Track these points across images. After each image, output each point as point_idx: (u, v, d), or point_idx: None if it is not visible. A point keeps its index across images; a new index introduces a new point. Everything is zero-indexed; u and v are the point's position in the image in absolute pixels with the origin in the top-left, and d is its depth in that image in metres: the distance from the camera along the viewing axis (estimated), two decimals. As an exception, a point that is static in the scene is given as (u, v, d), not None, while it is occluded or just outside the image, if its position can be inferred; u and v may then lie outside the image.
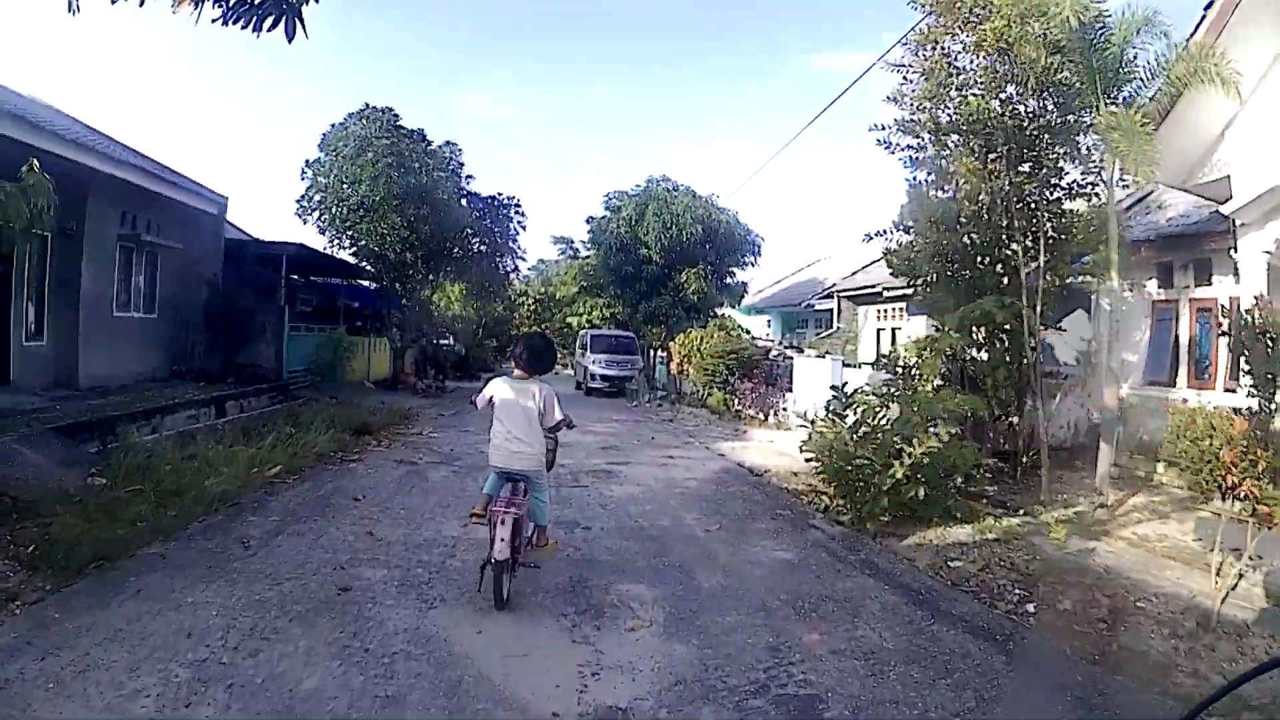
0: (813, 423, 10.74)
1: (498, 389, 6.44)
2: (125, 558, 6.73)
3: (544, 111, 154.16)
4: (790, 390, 21.10)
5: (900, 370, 11.23)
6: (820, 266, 39.64)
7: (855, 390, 10.63)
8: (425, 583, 6.59)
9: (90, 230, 15.40)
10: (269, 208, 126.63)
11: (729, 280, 31.27)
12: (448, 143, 27.62)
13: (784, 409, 21.20)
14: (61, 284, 15.02)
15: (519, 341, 6.87)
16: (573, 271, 44.62)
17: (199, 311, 19.73)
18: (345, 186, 24.18)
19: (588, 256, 40.59)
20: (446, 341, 44.28)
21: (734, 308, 33.65)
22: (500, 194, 29.78)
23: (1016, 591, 7.03)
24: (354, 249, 25.16)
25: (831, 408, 10.66)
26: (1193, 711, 1.94)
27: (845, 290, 27.31)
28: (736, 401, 23.80)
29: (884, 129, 12.28)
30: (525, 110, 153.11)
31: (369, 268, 26.12)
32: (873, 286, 23.25)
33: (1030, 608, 6.65)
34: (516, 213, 30.08)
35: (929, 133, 12.02)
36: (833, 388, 10.74)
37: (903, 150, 12.40)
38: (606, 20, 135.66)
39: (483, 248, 29.66)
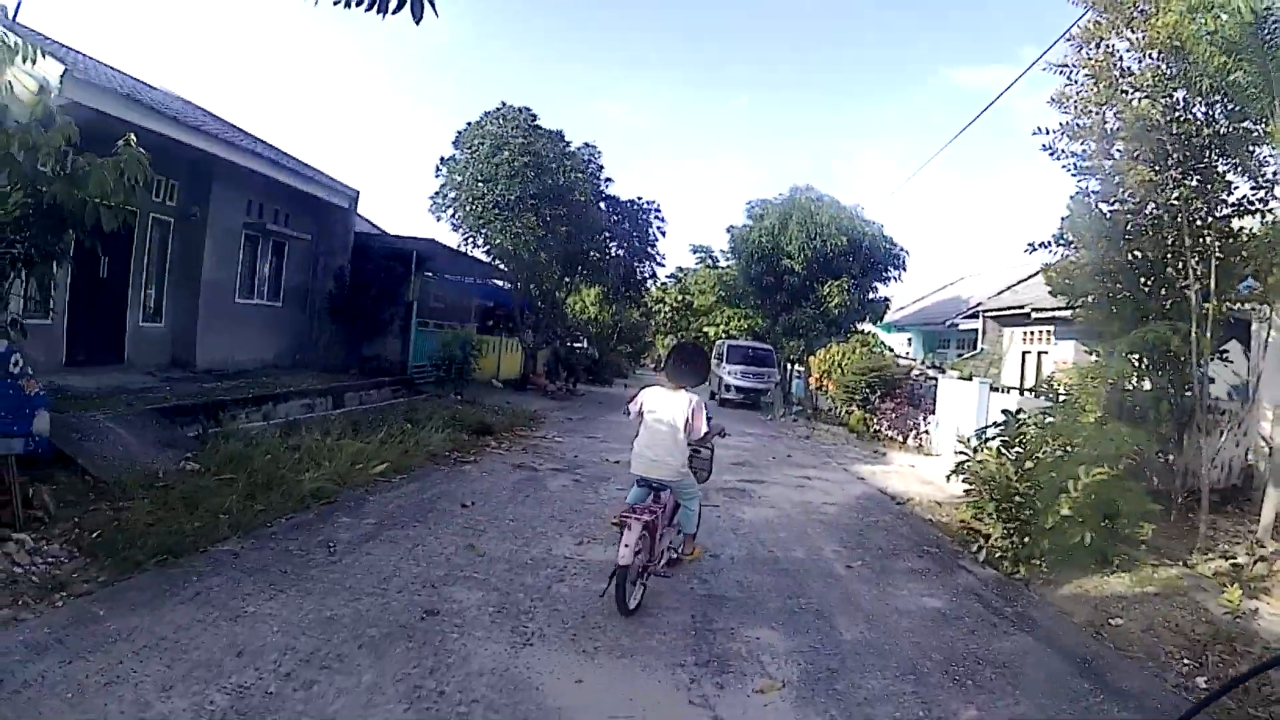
0: (974, 450, 9.78)
1: (648, 398, 6.29)
2: (195, 553, 6.27)
3: (683, 122, 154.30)
4: (933, 413, 20.11)
5: (1058, 398, 10.30)
6: (963, 285, 38.20)
7: (1013, 417, 9.56)
8: (525, 611, 5.87)
9: (214, 217, 15.58)
10: (403, 203, 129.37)
11: (870, 296, 30.11)
12: (586, 144, 26.96)
13: (926, 432, 20.13)
14: (182, 268, 15.19)
15: (671, 353, 6.65)
16: (711, 281, 44.81)
17: (325, 302, 19.79)
18: (480, 184, 23.62)
19: (728, 266, 39.96)
20: (580, 345, 44.02)
21: (875, 324, 32.57)
22: (640, 198, 29.27)
23: (1185, 660, 6.10)
24: (487, 248, 24.58)
25: (993, 435, 9.61)
26: (1192, 711, 2.00)
27: (991, 310, 26.11)
28: (876, 421, 22.66)
29: (1048, 133, 11.16)
30: (665, 120, 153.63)
31: (503, 267, 25.55)
32: (1020, 307, 22.21)
33: (1201, 681, 5.74)
34: (656, 217, 29.46)
35: (1096, 139, 10.78)
36: (1004, 411, 9.76)
37: (1068, 157, 11.28)
38: (747, 32, 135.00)
39: (620, 252, 29.12)
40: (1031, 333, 22.70)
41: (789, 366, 36.02)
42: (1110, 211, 11.27)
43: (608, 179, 28.10)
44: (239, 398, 12.14)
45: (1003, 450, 9.28)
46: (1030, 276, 27.92)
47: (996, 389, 18.56)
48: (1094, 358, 11.69)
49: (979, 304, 29.22)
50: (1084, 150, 11.05)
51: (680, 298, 49.59)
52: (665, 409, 6.15)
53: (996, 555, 8.88)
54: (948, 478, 10.27)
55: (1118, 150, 10.67)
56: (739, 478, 13.23)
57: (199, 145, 13.58)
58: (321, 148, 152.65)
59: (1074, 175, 11.35)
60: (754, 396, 31.87)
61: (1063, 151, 11.18)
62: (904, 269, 30.16)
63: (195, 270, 15.30)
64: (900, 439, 21.07)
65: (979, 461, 9.61)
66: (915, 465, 17.05)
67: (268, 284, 18.39)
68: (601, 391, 33.44)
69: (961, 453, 9.97)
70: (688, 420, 6.13)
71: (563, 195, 23.88)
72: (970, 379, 19.84)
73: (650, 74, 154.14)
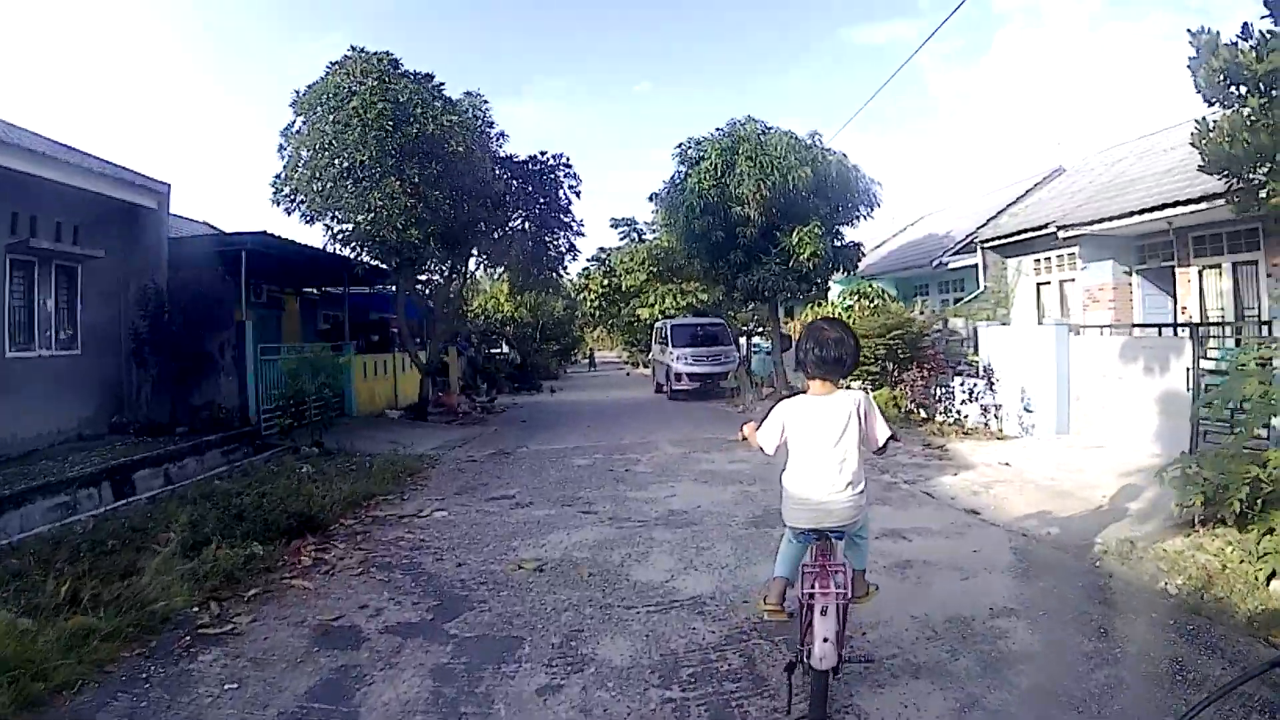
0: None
1: (791, 415, 4.43)
2: None
3: (590, 117, 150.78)
4: (984, 379, 14.45)
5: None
6: (929, 224, 33.05)
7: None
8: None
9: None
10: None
11: (838, 242, 24.20)
12: (469, 93, 20.79)
13: (986, 408, 14.45)
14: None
15: (807, 340, 4.43)
16: (639, 256, 38.86)
17: (137, 338, 14.78)
18: (324, 153, 17.62)
19: (657, 238, 35.92)
20: (500, 350, 38.74)
21: (851, 273, 26.47)
22: (543, 153, 23.15)
23: None
24: (339, 235, 18.47)
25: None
26: (1191, 711, 1.96)
27: (992, 240, 20.85)
28: (903, 398, 16.52)
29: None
30: (572, 117, 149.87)
31: (368, 260, 19.52)
32: (1041, 227, 17.67)
33: None
34: (567, 175, 23.35)
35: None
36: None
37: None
38: (640, 17, 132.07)
39: (526, 224, 23.05)
40: (1047, 259, 18.74)
41: (746, 341, 31.50)
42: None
43: (501, 134, 21.86)
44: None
45: None
46: (1022, 197, 24.46)
47: (1075, 332, 13.40)
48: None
49: (969, 236, 24.00)
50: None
51: (606, 281, 43.56)
52: (825, 423, 4.31)
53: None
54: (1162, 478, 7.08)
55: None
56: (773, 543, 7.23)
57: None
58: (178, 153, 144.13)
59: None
60: (712, 383, 26.47)
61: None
62: (877, 205, 24.13)
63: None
64: (949, 420, 15.14)
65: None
66: (1009, 462, 11.29)
67: (55, 326, 13.78)
68: (529, 402, 28.01)
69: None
70: (862, 428, 4.31)
71: (435, 149, 17.56)
72: (1042, 324, 14.31)
73: (550, 76, 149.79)
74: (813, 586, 4.16)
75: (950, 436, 13.80)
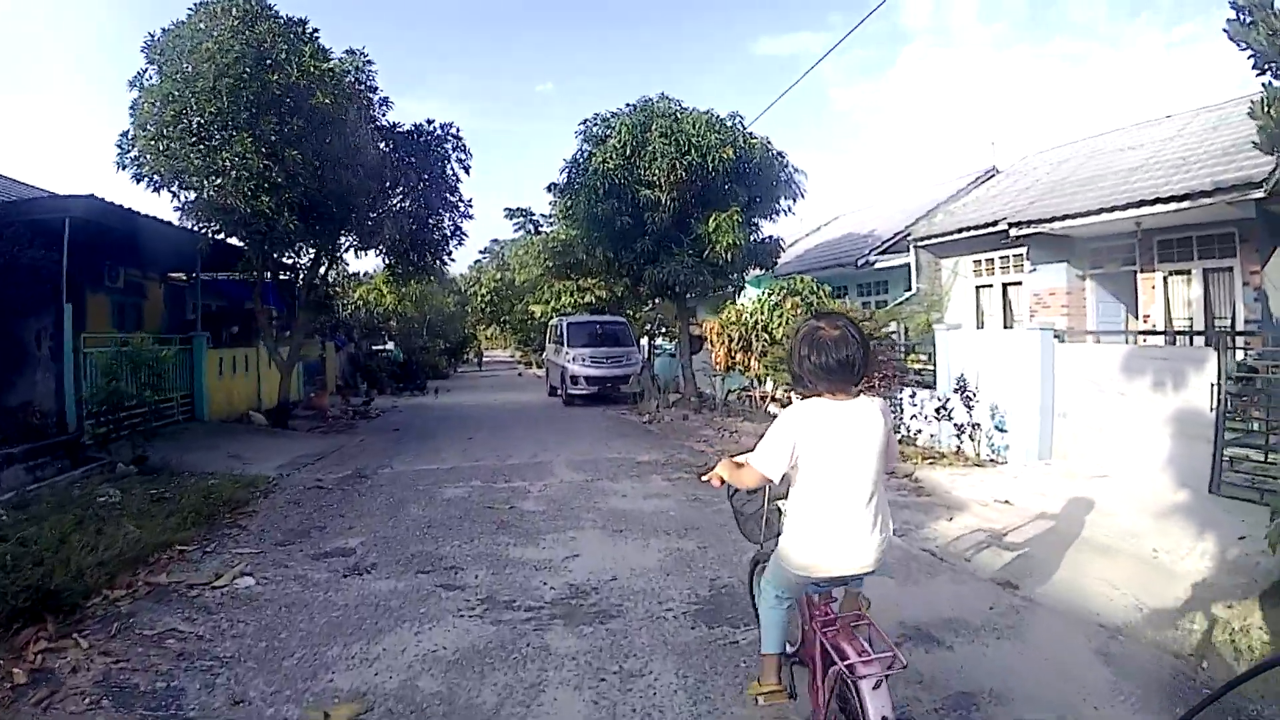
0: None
1: (810, 426, 3.39)
2: None
3: (491, 115, 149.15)
4: (960, 393, 12.03)
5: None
6: (849, 221, 31.21)
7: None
8: None
9: None
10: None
11: (755, 236, 21.84)
12: (351, 50, 17.87)
13: (968, 427, 11.90)
14: None
15: (799, 346, 3.53)
16: (534, 250, 36.07)
17: None
18: (171, 106, 14.46)
19: (553, 231, 32.69)
20: (384, 347, 35.90)
21: (769, 271, 24.12)
22: (430, 122, 20.20)
23: None
24: (186, 205, 15.35)
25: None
26: (1191, 711, 2.01)
27: (926, 238, 19.03)
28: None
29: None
30: (478, 114, 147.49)
31: (218, 235, 16.27)
32: (989, 225, 16.22)
33: None
34: (456, 149, 20.45)
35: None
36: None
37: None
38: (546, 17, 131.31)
39: (406, 202, 20.15)
40: (989, 260, 17.39)
41: (648, 343, 29.17)
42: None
43: (384, 100, 18.90)
44: None
45: None
46: (956, 196, 23.09)
47: (1060, 339, 11.63)
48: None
49: (897, 235, 21.99)
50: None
51: (499, 276, 40.86)
52: (854, 434, 3.39)
53: None
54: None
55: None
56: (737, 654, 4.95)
57: None
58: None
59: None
60: (611, 387, 24.18)
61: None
62: (801, 196, 21.79)
63: None
64: (909, 442, 12.73)
65: None
66: (1008, 499, 8.90)
67: None
68: (410, 405, 25.33)
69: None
70: (886, 445, 3.46)
71: (299, 103, 14.73)
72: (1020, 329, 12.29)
73: (451, 72, 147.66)
74: (845, 653, 3.32)
75: (915, 461, 11.33)
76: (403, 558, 7.33)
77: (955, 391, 12.03)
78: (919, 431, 12.79)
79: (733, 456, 3.87)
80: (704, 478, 4.07)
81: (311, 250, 19.26)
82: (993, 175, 23.01)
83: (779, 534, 3.81)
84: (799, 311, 16.96)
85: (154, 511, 8.55)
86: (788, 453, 3.40)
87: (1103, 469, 9.88)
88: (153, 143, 14.53)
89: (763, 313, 17.90)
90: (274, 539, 8.13)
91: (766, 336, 17.44)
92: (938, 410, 12.40)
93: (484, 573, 6.81)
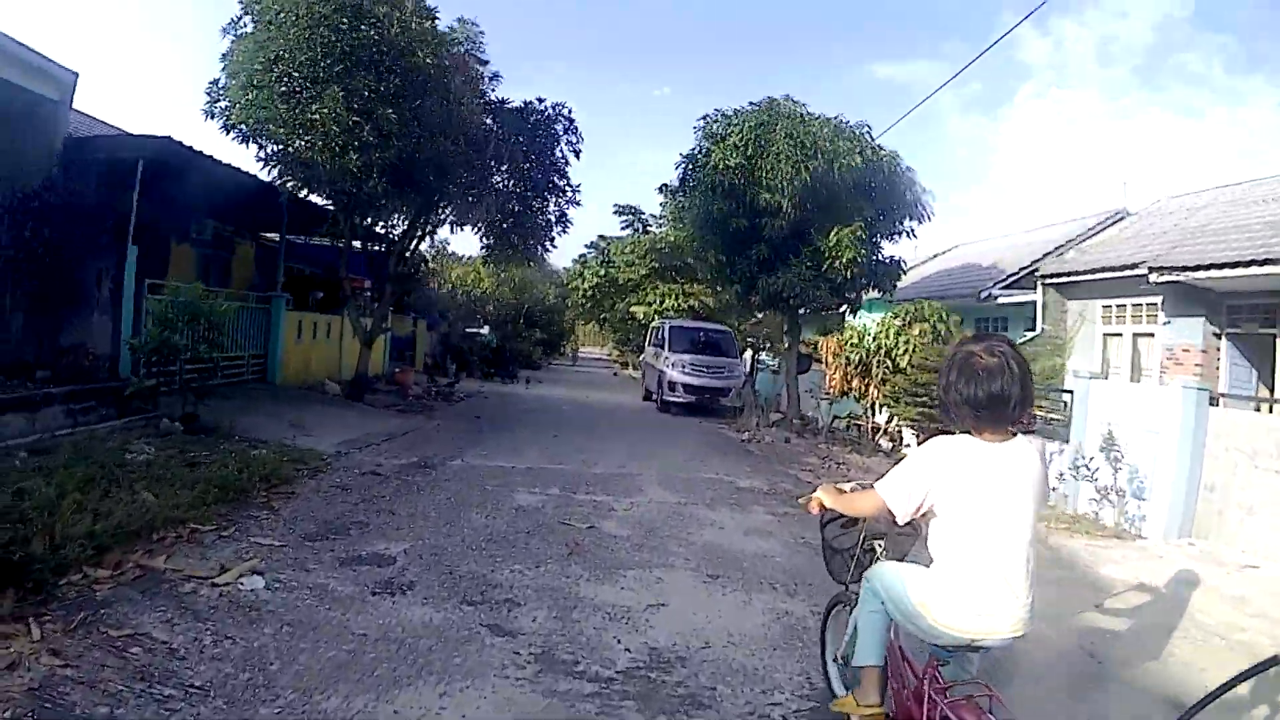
0: None
1: (953, 466, 2.99)
2: None
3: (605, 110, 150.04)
4: (1106, 453, 10.43)
5: None
6: (967, 252, 29.48)
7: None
8: None
9: None
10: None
11: (878, 257, 20.53)
12: (463, 19, 17.16)
13: (1112, 492, 10.25)
14: None
15: (949, 372, 3.05)
16: (641, 249, 35.65)
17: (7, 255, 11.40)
18: (261, 54, 13.78)
19: (662, 231, 32.81)
20: (477, 330, 35.43)
21: (888, 295, 22.69)
22: (540, 99, 19.42)
23: None
24: (266, 156, 14.62)
25: None
26: (1190, 711, 2.08)
27: (1057, 276, 17.41)
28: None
29: None
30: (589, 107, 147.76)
31: (306, 193, 15.66)
32: (1125, 268, 14.63)
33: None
34: (567, 130, 19.61)
35: None
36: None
37: None
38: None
39: (510, 182, 19.31)
40: (1121, 307, 15.71)
41: (752, 356, 27.21)
42: None
43: (495, 75, 18.19)
44: None
45: None
46: (1085, 235, 21.12)
47: (1214, 401, 10.42)
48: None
49: (1026, 268, 20.02)
50: None
51: (603, 272, 39.99)
52: (1007, 481, 2.96)
53: None
54: None
55: None
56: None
57: None
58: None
59: None
60: (711, 399, 22.89)
61: None
62: (928, 218, 20.39)
63: None
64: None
65: None
66: (1162, 586, 7.39)
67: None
68: (498, 393, 24.57)
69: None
70: (1043, 496, 3.12)
71: (397, 60, 14.06)
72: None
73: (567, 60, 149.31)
74: None
75: (1049, 524, 9.90)
76: (449, 578, 6.07)
77: (1101, 450, 10.60)
78: (1052, 489, 11.38)
79: (836, 483, 3.64)
80: (802, 500, 3.80)
81: (404, 220, 18.62)
82: (1122, 217, 21.40)
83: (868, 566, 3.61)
84: (926, 340, 15.72)
85: (181, 478, 7.65)
86: (920, 493, 3.03)
87: (1253, 556, 8.45)
88: (242, 92, 13.98)
89: (887, 337, 16.60)
90: (305, 530, 6.99)
91: (889, 363, 16.13)
92: (1075, 468, 10.97)
93: (545, 614, 5.49)
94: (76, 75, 12.60)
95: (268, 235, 21.32)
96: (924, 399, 14.29)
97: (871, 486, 3.25)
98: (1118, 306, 15.81)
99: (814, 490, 3.65)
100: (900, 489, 3.05)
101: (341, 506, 7.99)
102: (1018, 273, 20.54)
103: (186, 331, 11.40)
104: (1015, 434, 3.04)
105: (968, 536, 3.01)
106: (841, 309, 20.82)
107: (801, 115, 18.58)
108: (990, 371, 2.91)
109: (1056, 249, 20.58)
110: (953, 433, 3.08)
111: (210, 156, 13.67)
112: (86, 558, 5.38)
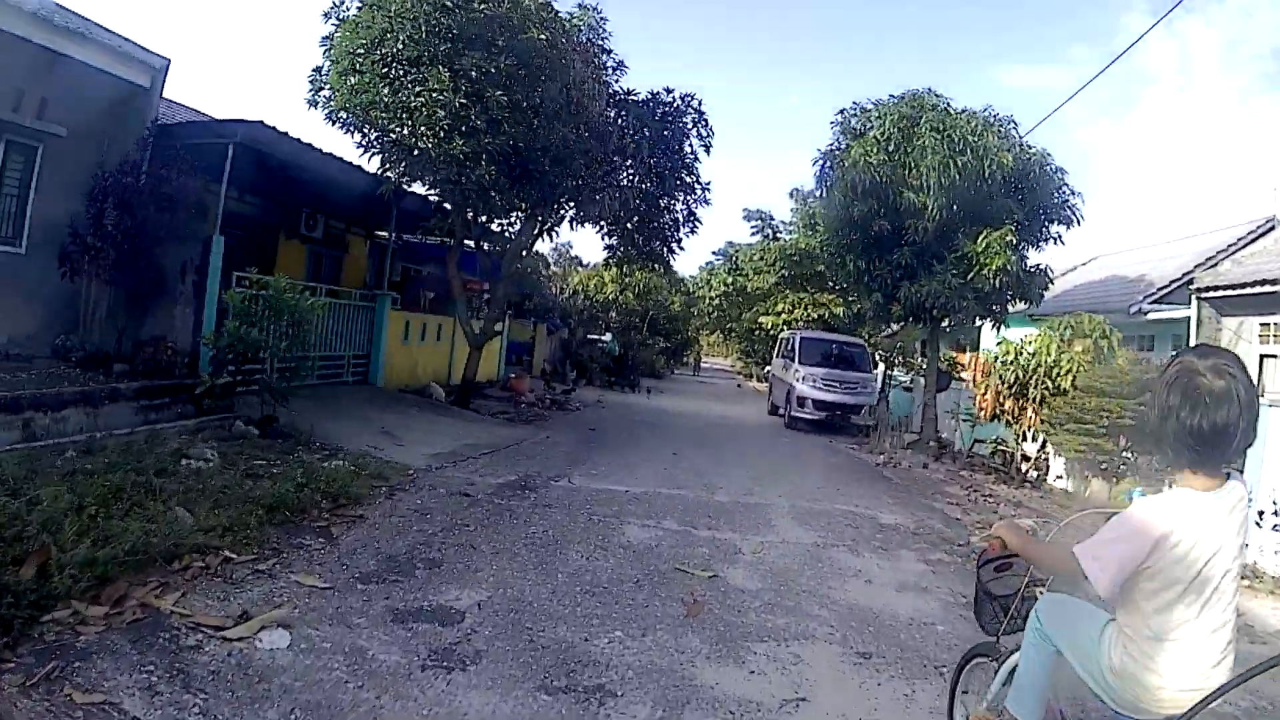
0: None
1: (1169, 536, 2.51)
2: None
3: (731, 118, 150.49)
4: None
5: None
6: (1110, 263, 27.60)
7: None
8: None
9: None
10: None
11: (1025, 265, 18.82)
12: (582, 5, 16.27)
13: None
14: None
15: (1166, 394, 2.56)
16: (771, 256, 34.49)
17: (93, 244, 11.16)
18: (364, 35, 13.10)
19: (792, 238, 31.93)
20: (599, 337, 36.07)
21: (1032, 308, 20.93)
22: (668, 89, 18.32)
23: None
24: (368, 142, 13.94)
25: None
26: (1192, 710, 1.98)
27: (1214, 289, 15.68)
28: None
29: None
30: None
31: (409, 182, 14.83)
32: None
33: None
34: (697, 123, 18.48)
35: None
36: None
37: None
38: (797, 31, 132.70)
39: (635, 178, 18.24)
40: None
41: (885, 373, 25.69)
42: None
43: (619, 65, 17.20)
44: None
45: None
46: (1237, 245, 19.53)
47: None
48: None
49: (1177, 281, 18.63)
50: None
51: (730, 280, 38.94)
52: (1219, 545, 2.54)
53: None
54: None
55: None
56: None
57: None
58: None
59: None
60: (843, 415, 21.75)
61: None
62: (1078, 223, 18.67)
63: None
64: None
65: None
66: None
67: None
68: (617, 403, 23.71)
69: None
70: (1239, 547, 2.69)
71: (509, 40, 13.09)
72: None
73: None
74: None
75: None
76: (529, 647, 4.70)
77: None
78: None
79: (1011, 526, 3.24)
80: (978, 540, 3.91)
81: (519, 216, 17.70)
82: (1274, 225, 19.90)
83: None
84: (1089, 358, 14.14)
85: (232, 491, 6.75)
86: (1131, 568, 2.53)
87: None
88: (343, 77, 13.36)
89: (1048, 354, 15.00)
90: (360, 568, 5.78)
91: (1048, 384, 14.55)
92: (1259, 514, 9.37)
93: (647, 713, 4.07)
94: (168, 61, 12.61)
95: (381, 234, 20.80)
96: (1089, 425, 12.69)
97: (1071, 548, 2.68)
98: (1276, 325, 14.36)
99: (990, 529, 3.30)
100: (1108, 562, 2.56)
101: (415, 536, 6.80)
102: (1169, 285, 19.16)
103: (268, 327, 10.77)
104: (1228, 475, 2.60)
105: (1172, 605, 2.57)
106: (982, 323, 19.51)
107: (947, 108, 17.28)
108: (1217, 397, 2.45)
109: (1209, 260, 19.04)
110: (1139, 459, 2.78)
111: (303, 141, 13.18)
112: (81, 590, 4.49)
